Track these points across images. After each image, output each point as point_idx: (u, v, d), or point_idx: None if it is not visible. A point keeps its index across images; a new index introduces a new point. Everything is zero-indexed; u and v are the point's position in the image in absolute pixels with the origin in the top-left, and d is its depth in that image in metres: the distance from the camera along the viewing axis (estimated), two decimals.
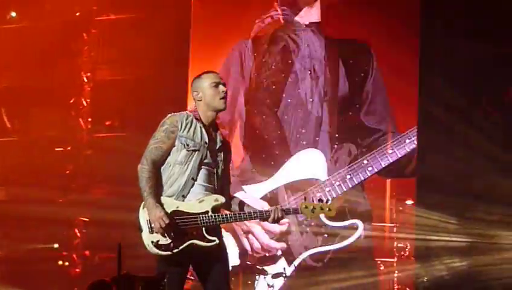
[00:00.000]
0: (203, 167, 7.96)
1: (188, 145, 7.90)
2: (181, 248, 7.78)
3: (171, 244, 7.78)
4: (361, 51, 15.19)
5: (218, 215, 7.87)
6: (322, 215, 12.95)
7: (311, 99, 15.23)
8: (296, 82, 15.33)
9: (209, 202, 7.87)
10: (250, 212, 8.06)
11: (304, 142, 14.99)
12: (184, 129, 7.92)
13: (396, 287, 14.44)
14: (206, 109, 8.03)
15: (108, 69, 17.20)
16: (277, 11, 15.56)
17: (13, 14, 17.69)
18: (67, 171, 17.02)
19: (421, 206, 14.01)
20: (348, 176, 14.57)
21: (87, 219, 16.88)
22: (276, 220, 8.01)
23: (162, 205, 7.82)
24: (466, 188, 13.82)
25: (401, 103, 14.85)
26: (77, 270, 16.64)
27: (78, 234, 16.83)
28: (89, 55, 17.14)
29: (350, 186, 14.50)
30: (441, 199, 13.82)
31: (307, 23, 15.46)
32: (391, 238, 14.66)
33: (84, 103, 17.10)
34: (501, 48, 14.23)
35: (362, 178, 14.49)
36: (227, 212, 8.10)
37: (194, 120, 8.00)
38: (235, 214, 8.07)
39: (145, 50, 16.19)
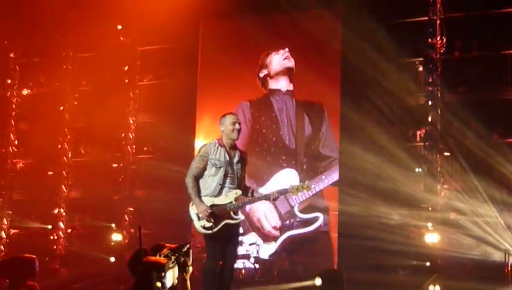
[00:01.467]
0: (227, 175, 8.50)
1: (216, 164, 8.48)
2: (219, 227, 8.36)
3: (213, 225, 8.34)
4: (317, 108, 16.36)
5: (239, 202, 8.44)
6: (296, 210, 14.12)
7: (287, 138, 16.38)
8: (278, 127, 16.38)
9: (231, 195, 8.47)
10: (258, 196, 8.56)
11: (284, 165, 16.04)
12: (213, 153, 8.51)
13: None
14: (226, 138, 8.59)
15: (145, 115, 18.04)
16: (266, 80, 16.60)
17: (83, 83, 18.64)
18: (120, 179, 17.91)
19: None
20: (313, 186, 15.51)
21: (132, 209, 17.77)
22: (274, 199, 8.55)
23: (203, 202, 8.38)
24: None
25: None
26: (126, 241, 17.51)
27: (127, 218, 17.71)
28: (134, 106, 18.03)
29: (314, 192, 15.56)
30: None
31: (284, 90, 16.63)
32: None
33: (131, 136, 18.00)
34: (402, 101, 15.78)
35: (322, 187, 15.67)
36: (244, 198, 8.47)
37: (219, 146, 8.55)
38: (249, 199, 8.54)
39: (167, 103, 17.05)
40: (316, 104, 16.40)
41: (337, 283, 10.40)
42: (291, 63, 16.57)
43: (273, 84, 16.74)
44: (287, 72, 16.61)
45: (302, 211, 15.81)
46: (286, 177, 15.79)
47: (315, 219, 15.71)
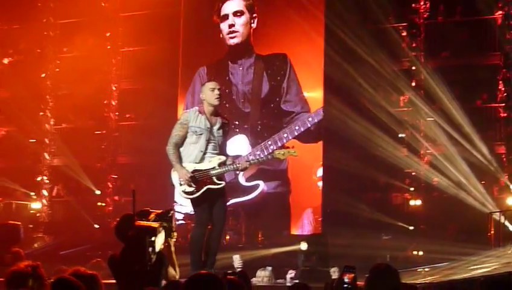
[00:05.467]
0: (208, 142, 8.51)
1: (196, 131, 8.50)
2: (201, 191, 8.41)
3: (194, 190, 8.41)
4: (280, 59, 15.91)
5: (221, 168, 8.48)
6: (241, 177, 13.78)
7: (241, 101, 16.00)
8: (231, 91, 15.89)
9: (215, 161, 8.52)
10: (241, 162, 8.70)
11: (237, 130, 15.50)
12: (193, 121, 8.52)
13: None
14: (207, 104, 8.62)
15: (128, 82, 17.87)
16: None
17: (65, 49, 18.42)
18: (103, 146, 17.81)
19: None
20: (269, 142, 15.47)
21: (116, 176, 17.73)
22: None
23: (184, 167, 8.43)
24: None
25: (309, 90, 15.79)
26: (110, 208, 17.50)
27: (110, 185, 17.67)
28: (116, 73, 17.85)
29: (270, 150, 15.00)
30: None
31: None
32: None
33: (113, 103, 17.87)
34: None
35: (280, 144, 15.23)
36: (226, 164, 8.50)
37: (199, 114, 8.57)
38: (233, 166, 8.57)
39: (150, 70, 16.85)
40: (278, 55, 15.97)
41: (322, 247, 10.45)
42: (237, 39, 16.20)
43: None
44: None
45: (248, 179, 15.45)
46: (236, 143, 15.34)
47: (256, 187, 15.44)
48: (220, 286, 4.16)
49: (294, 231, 15.49)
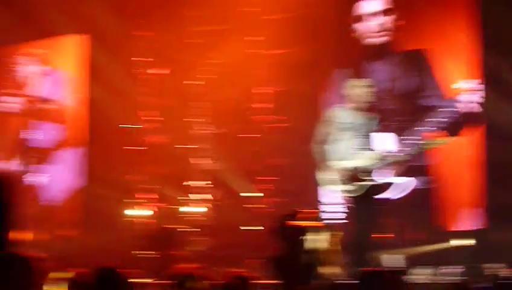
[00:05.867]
0: (357, 138, 8.78)
1: (344, 127, 8.74)
2: (359, 189, 8.59)
3: (355, 188, 8.66)
4: (421, 55, 15.37)
5: (375, 163, 8.61)
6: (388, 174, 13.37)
7: (383, 98, 15.06)
8: (371, 90, 15.54)
9: (367, 156, 8.67)
10: (398, 155, 8.81)
11: (380, 127, 15.13)
12: (339, 117, 8.81)
13: None
14: (352, 101, 8.90)
15: (275, 85, 17.77)
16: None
17: (212, 56, 18.27)
18: (256, 149, 17.92)
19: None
20: (410, 137, 14.13)
21: (270, 178, 17.72)
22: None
23: (335, 166, 8.54)
24: None
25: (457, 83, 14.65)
26: (266, 210, 17.36)
27: (266, 188, 17.71)
28: (263, 77, 17.88)
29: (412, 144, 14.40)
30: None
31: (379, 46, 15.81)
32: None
33: (263, 106, 17.83)
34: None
35: (421, 138, 14.04)
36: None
37: (346, 109, 8.85)
38: (385, 160, 8.73)
39: (296, 72, 16.87)
40: (419, 50, 15.53)
41: (486, 243, 10.15)
42: (384, 38, 15.87)
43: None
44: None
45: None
46: (379, 141, 14.91)
47: (403, 183, 14.81)
48: (386, 282, 4.48)
49: (454, 227, 14.85)
